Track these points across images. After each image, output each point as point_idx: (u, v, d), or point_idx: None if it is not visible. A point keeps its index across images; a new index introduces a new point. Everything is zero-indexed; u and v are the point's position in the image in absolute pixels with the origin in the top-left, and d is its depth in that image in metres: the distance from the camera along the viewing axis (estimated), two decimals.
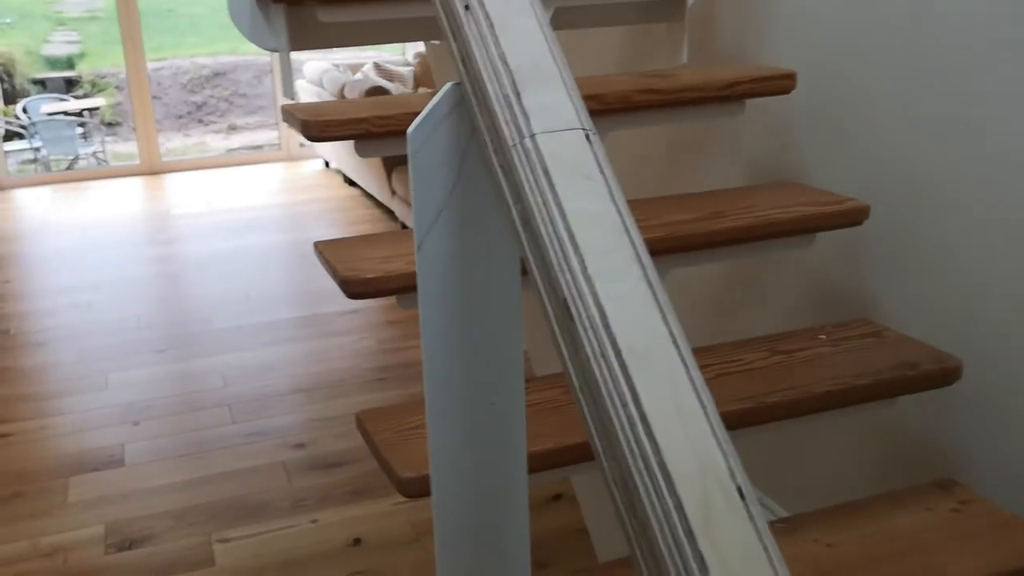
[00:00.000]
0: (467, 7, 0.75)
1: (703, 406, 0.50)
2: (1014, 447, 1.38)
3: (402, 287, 1.25)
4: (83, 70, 10.78)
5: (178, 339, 3.57)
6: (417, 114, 1.34)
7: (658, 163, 2.25)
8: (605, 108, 1.50)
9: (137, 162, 6.84)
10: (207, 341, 3.53)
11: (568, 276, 0.59)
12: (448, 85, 0.79)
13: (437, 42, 1.93)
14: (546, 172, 0.65)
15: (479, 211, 0.78)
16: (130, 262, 4.65)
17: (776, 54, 1.75)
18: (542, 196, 0.64)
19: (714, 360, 1.39)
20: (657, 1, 1.82)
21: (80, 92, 10.22)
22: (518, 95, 0.70)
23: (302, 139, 7.36)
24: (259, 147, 8.94)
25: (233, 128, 11.25)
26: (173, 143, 10.31)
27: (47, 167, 7.24)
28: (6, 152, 7.57)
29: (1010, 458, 1.39)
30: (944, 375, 1.34)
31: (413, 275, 1.25)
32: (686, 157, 2.10)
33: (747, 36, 1.82)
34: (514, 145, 0.67)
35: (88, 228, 5.31)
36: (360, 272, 1.24)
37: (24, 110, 7.74)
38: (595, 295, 0.56)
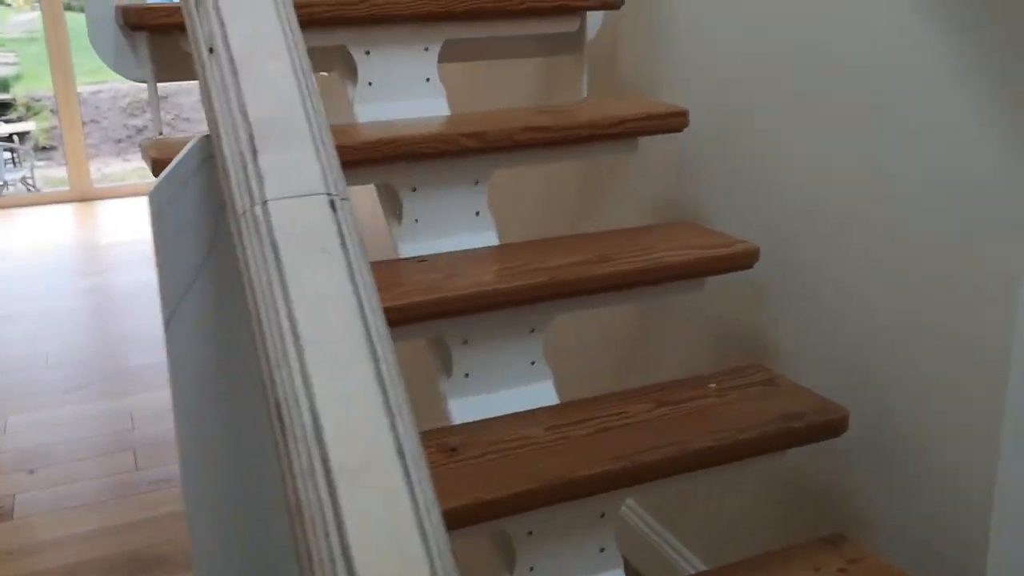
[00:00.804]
0: (211, 50, 0.67)
1: (425, 539, 0.42)
2: (904, 498, 1.33)
3: None
4: (18, 92, 10.53)
5: (89, 378, 3.42)
6: None
7: (562, 199, 2.19)
8: (488, 146, 1.43)
9: (67, 188, 6.66)
10: (120, 380, 3.39)
11: (284, 374, 0.51)
12: (196, 138, 0.70)
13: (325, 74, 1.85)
14: (274, 246, 0.56)
15: (237, 283, 0.70)
16: (49, 294, 4.49)
17: (676, 90, 1.70)
18: (267, 275, 0.56)
19: (597, 413, 1.32)
20: (556, 35, 1.76)
21: (14, 115, 9.98)
22: (255, 153, 0.62)
23: None
24: None
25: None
26: (112, 168, 10.09)
27: None
28: None
29: (900, 510, 1.34)
30: (830, 427, 1.29)
31: None
32: (590, 194, 2.04)
33: (649, 71, 1.77)
34: (243, 213, 0.59)
35: (8, 257, 5.13)
36: None
37: None
38: (311, 398, 0.48)
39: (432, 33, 1.60)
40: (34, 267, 4.96)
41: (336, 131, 1.44)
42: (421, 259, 1.43)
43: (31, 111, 10.30)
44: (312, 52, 1.61)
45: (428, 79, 1.62)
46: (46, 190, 7.24)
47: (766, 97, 1.50)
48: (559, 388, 1.44)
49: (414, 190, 1.45)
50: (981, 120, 1.16)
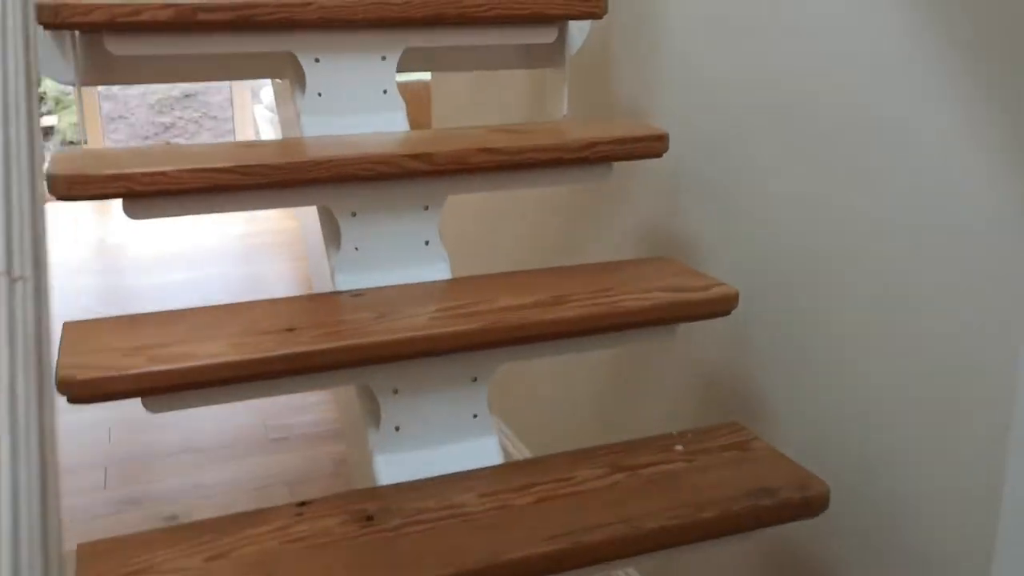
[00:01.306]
0: None
1: None
2: (893, 571, 1.16)
3: (137, 388, 1.02)
4: (49, 86, 10.57)
5: None
6: (203, 169, 1.11)
7: (541, 225, 2.03)
8: (437, 169, 1.28)
9: None
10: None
11: None
12: None
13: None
14: None
15: None
16: (53, 295, 4.40)
17: (666, 110, 1.54)
18: None
19: (542, 478, 1.16)
20: (535, 46, 1.61)
21: (43, 109, 10.00)
22: None
23: None
24: None
25: None
26: None
27: None
28: None
29: None
30: (806, 506, 1.12)
31: (155, 375, 1.03)
32: (571, 220, 1.88)
33: (638, 88, 1.61)
34: None
35: None
36: (84, 370, 1.01)
37: None
38: None
39: (389, 40, 1.46)
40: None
41: (267, 146, 1.30)
42: (357, 293, 1.28)
43: (60, 105, 10.34)
44: (258, 58, 1.48)
45: (385, 91, 1.47)
46: None
47: (762, 123, 1.33)
48: (513, 439, 1.28)
49: (353, 215, 1.31)
50: (989, 169, 0.99)
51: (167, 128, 11.47)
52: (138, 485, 2.69)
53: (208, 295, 4.34)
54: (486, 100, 2.32)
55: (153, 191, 1.15)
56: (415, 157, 1.26)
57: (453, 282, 1.34)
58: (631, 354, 1.69)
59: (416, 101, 5.95)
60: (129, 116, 11.33)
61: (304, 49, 1.42)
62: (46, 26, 1.25)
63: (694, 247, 1.50)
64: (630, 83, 1.64)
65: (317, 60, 1.43)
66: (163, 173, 1.15)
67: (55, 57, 1.35)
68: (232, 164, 1.18)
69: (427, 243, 1.35)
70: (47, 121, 9.42)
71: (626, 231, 1.70)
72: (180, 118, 11.54)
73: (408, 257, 1.34)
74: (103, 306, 4.19)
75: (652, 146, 1.38)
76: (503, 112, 2.21)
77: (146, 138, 11.24)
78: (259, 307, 1.22)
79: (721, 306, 1.27)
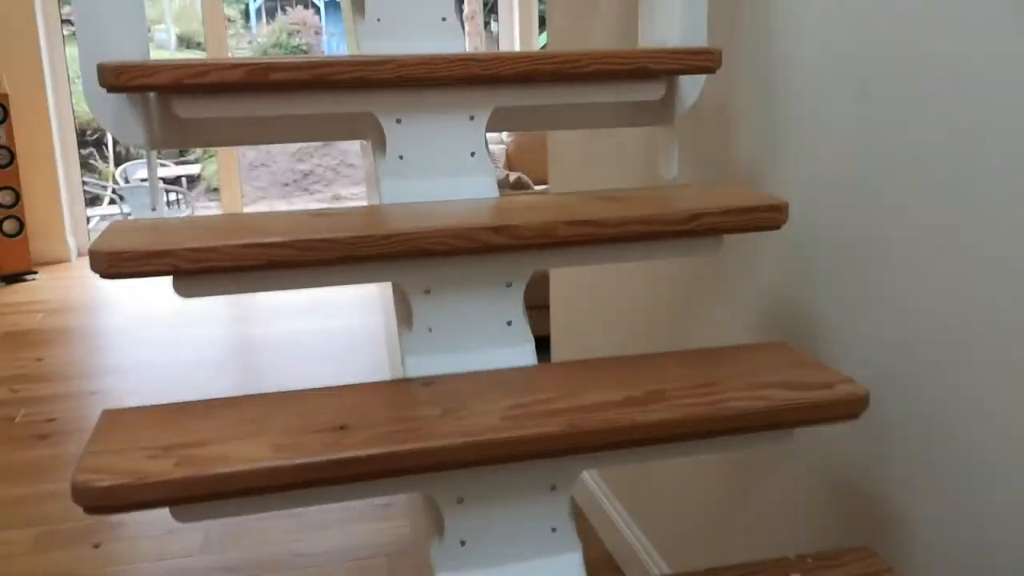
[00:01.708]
0: None
1: None
2: None
3: (162, 498, 0.90)
4: None
5: None
6: (256, 244, 1.00)
7: (638, 297, 1.86)
8: (520, 243, 1.14)
9: None
10: None
11: None
12: None
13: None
14: None
15: None
16: (182, 343, 4.49)
17: (787, 175, 1.36)
18: None
19: None
20: (642, 102, 1.45)
21: (191, 157, 10.45)
22: None
23: None
24: None
25: (337, 198, 11.30)
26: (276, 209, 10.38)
27: None
28: (102, 216, 7.70)
29: None
30: None
31: (181, 483, 0.91)
32: (673, 291, 1.70)
33: (758, 149, 1.43)
34: None
35: (154, 302, 5.20)
36: (103, 475, 0.90)
37: (124, 174, 7.89)
38: None
39: (477, 99, 1.33)
40: (174, 314, 4.99)
41: (333, 217, 1.17)
42: (427, 381, 1.14)
43: (206, 153, 10.77)
44: (337, 118, 1.38)
45: (473, 153, 1.34)
46: None
47: (900, 193, 1.13)
48: (643, 541, 1.11)
49: (427, 293, 1.17)
50: None
51: (306, 175, 11.84)
52: (236, 551, 2.63)
53: (335, 348, 4.33)
54: (603, 156, 2.18)
55: (201, 268, 1.04)
56: (496, 230, 1.13)
57: (536, 370, 1.18)
58: (744, 454, 1.49)
59: (522, 147, 5.84)
60: (271, 164, 11.74)
61: (384, 109, 1.31)
62: (108, 88, 1.18)
63: (818, 329, 1.30)
64: (751, 142, 1.47)
65: (398, 121, 1.31)
66: (213, 249, 1.04)
67: (128, 119, 1.28)
68: (288, 239, 1.06)
69: (509, 323, 1.21)
70: (190, 170, 9.85)
71: (743, 305, 1.51)
72: (319, 165, 11.89)
73: (488, 339, 1.20)
74: (233, 356, 4.24)
75: (767, 217, 1.20)
76: (621, 169, 2.06)
77: (286, 185, 11.63)
78: (314, 398, 1.10)
79: (847, 409, 1.07)
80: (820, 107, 1.29)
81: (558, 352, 2.72)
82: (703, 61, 1.34)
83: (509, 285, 1.20)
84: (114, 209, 7.53)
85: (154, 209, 1.33)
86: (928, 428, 1.10)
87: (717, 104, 1.57)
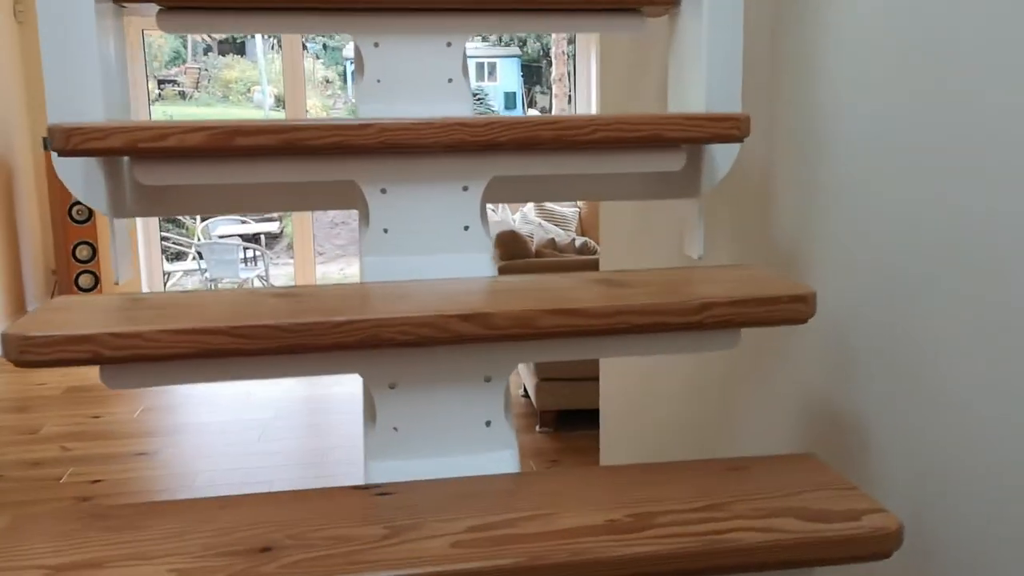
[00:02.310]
0: None
1: None
2: None
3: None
4: None
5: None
6: (189, 331, 0.88)
7: (677, 387, 1.68)
8: (496, 334, 0.99)
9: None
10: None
11: None
12: None
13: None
14: None
15: None
16: (242, 401, 4.44)
17: (826, 257, 1.18)
18: None
19: None
20: (661, 175, 1.30)
21: (274, 213, 10.61)
22: None
23: None
24: None
25: None
26: (352, 268, 10.45)
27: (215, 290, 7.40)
28: (185, 272, 7.83)
29: None
30: None
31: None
32: (714, 382, 1.52)
33: (796, 225, 1.26)
34: None
35: None
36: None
37: (206, 230, 8.03)
38: None
39: (472, 168, 1.20)
40: None
41: (286, 298, 1.01)
42: (384, 491, 0.99)
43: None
44: (318, 187, 1.27)
45: (467, 227, 1.21)
46: None
47: (957, 283, 0.95)
48: None
49: (392, 387, 1.03)
50: None
51: None
52: None
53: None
54: (652, 227, 2.02)
55: (126, 356, 0.92)
56: (466, 319, 0.98)
57: (516, 481, 1.02)
58: None
59: (594, 211, 5.66)
60: (351, 221, 11.85)
61: (367, 178, 1.18)
62: (59, 152, 1.08)
63: (860, 436, 1.12)
64: (789, 219, 1.30)
65: (383, 191, 1.19)
66: (138, 335, 0.92)
67: (94, 183, 1.19)
68: (227, 324, 0.94)
69: (488, 424, 1.05)
70: (270, 227, 9.98)
71: (778, 402, 1.32)
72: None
73: (462, 442, 1.05)
74: (289, 416, 4.16)
75: (790, 310, 1.02)
76: (661, 243, 1.91)
77: None
78: (255, 506, 0.96)
79: (875, 547, 0.88)
80: (865, 184, 1.12)
81: (606, 445, 2.53)
82: (726, 129, 1.18)
83: (488, 380, 1.05)
84: (194, 265, 7.65)
85: (117, 283, 1.23)
86: (972, 556, 0.90)
87: (756, 175, 1.41)
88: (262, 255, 7.74)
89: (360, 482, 1.02)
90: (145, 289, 6.44)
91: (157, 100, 14.50)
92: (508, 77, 15.23)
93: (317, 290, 1.11)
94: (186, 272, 7.92)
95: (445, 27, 1.34)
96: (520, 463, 1.06)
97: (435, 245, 1.20)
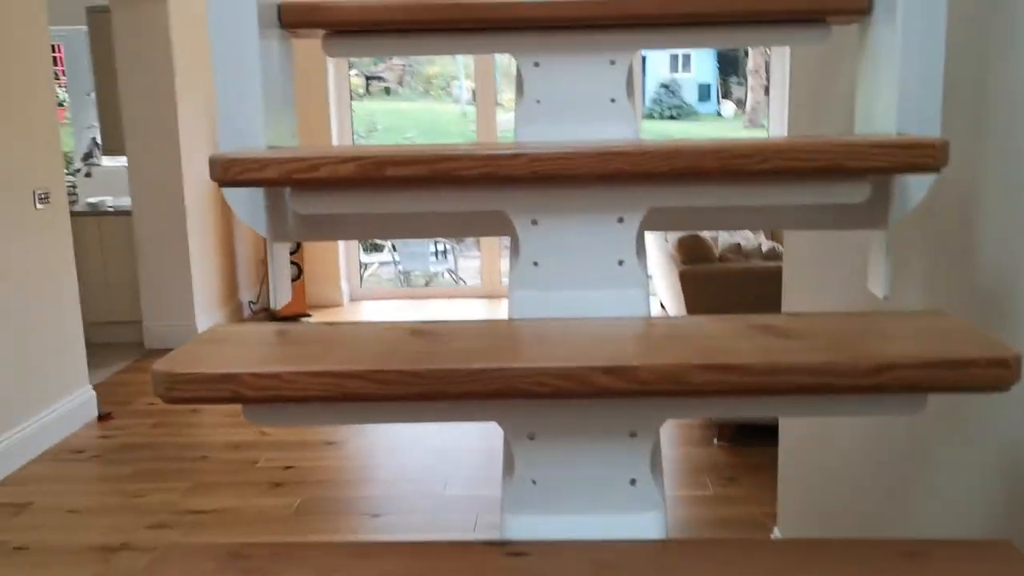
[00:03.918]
0: None
1: None
2: None
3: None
4: None
5: (386, 502, 3.30)
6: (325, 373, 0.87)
7: (859, 448, 1.53)
8: (641, 389, 0.91)
9: (480, 283, 6.94)
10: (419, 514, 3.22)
11: None
12: None
13: None
14: None
15: None
16: None
17: None
18: None
19: None
20: (835, 205, 1.17)
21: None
22: None
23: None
24: None
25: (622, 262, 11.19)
26: None
27: (406, 282, 7.62)
28: (380, 263, 8.12)
29: None
30: None
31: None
32: (901, 445, 1.37)
33: (1006, 267, 1.11)
34: None
35: None
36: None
37: None
38: None
39: (626, 199, 1.12)
40: None
41: (424, 339, 0.98)
42: (518, 550, 0.94)
43: None
44: (470, 216, 1.23)
45: (622, 262, 1.13)
46: (471, 283, 7.57)
47: None
48: None
49: (531, 438, 0.98)
50: None
51: None
52: None
53: None
54: (837, 255, 1.87)
55: (265, 397, 0.91)
56: (609, 371, 0.91)
57: (661, 548, 0.94)
58: None
59: None
60: None
61: (517, 208, 1.13)
62: (219, 183, 1.10)
63: None
64: (995, 258, 1.14)
65: (534, 222, 1.13)
66: (276, 376, 0.91)
67: (256, 209, 1.20)
68: (361, 368, 0.91)
69: (633, 482, 0.98)
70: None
71: (971, 470, 1.17)
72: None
73: (604, 500, 0.98)
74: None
75: (988, 375, 0.89)
76: (846, 277, 1.75)
77: None
78: (384, 556, 0.93)
79: None
80: None
81: (784, 477, 2.38)
82: (920, 157, 1.05)
83: (633, 435, 0.97)
84: (389, 257, 7.92)
85: (276, 309, 1.24)
86: None
87: (954, 206, 1.25)
88: (452, 249, 7.90)
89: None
90: (343, 280, 6.71)
91: (364, 96, 15.14)
92: (703, 68, 14.82)
93: (459, 329, 1.07)
94: (381, 263, 8.19)
95: (608, 44, 1.27)
96: (667, 526, 0.98)
97: (587, 280, 1.13)
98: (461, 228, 1.21)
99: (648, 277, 1.15)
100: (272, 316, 6.20)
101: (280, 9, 1.24)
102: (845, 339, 0.96)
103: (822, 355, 0.91)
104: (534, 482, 0.98)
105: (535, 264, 1.14)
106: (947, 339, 0.95)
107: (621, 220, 1.13)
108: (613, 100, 1.28)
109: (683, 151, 1.06)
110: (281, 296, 1.24)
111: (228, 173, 1.08)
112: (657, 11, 1.23)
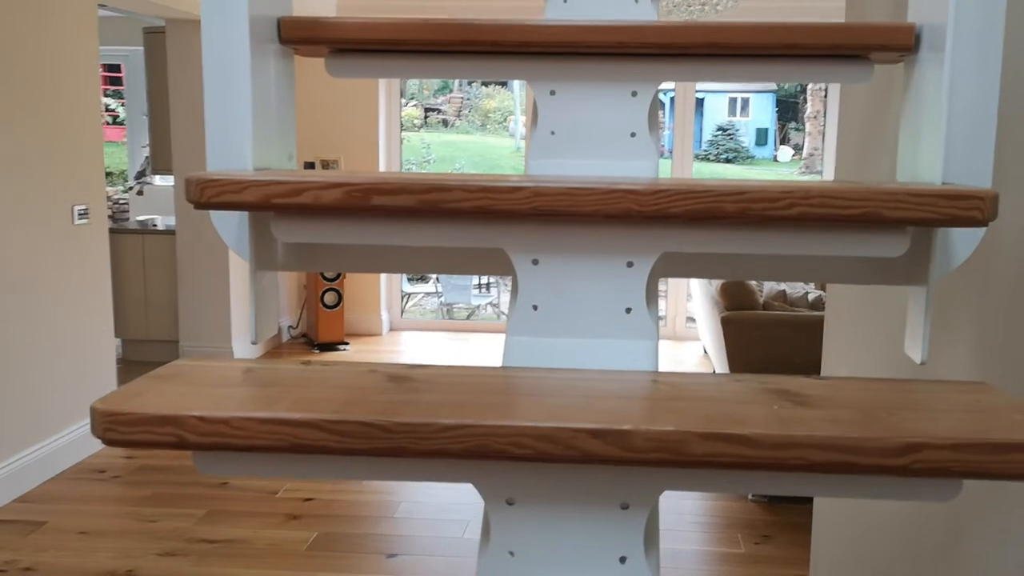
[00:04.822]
0: None
1: None
2: None
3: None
4: None
5: (403, 541, 3.19)
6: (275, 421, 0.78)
7: (898, 521, 1.39)
8: (636, 458, 0.80)
9: None
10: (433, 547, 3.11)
11: None
12: None
13: None
14: None
15: None
16: None
17: None
18: None
19: None
20: (872, 259, 1.05)
21: None
22: None
23: (689, 314, 6.83)
24: None
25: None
26: None
27: (448, 314, 7.55)
28: (425, 294, 8.07)
29: None
30: None
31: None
32: (937, 520, 1.23)
33: None
34: None
35: None
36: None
37: None
38: None
39: (637, 242, 1.02)
40: None
41: (392, 389, 0.86)
42: None
43: None
44: (465, 252, 1.13)
45: (629, 309, 1.03)
46: None
47: None
48: None
49: (510, 503, 0.87)
50: None
51: None
52: None
53: None
54: (883, 300, 1.74)
55: (211, 444, 0.82)
56: (597, 435, 0.80)
57: None
58: None
59: None
60: None
61: (517, 246, 1.03)
62: (195, 205, 1.02)
63: None
64: None
65: (535, 262, 1.03)
66: (224, 422, 0.82)
67: (242, 234, 1.12)
68: (318, 417, 0.82)
69: (623, 560, 0.87)
70: None
71: (1017, 544, 1.04)
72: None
73: (590, 574, 0.87)
74: None
75: (1007, 462, 0.76)
76: (894, 325, 1.63)
77: None
78: None
79: None
80: None
81: (818, 538, 2.23)
82: (965, 209, 0.93)
83: (625, 508, 0.86)
84: (432, 288, 7.86)
85: (254, 342, 1.15)
86: None
87: (1007, 262, 1.13)
88: (495, 282, 7.82)
89: None
90: (384, 310, 6.66)
91: (422, 127, 15.22)
92: (761, 113, 14.66)
93: (440, 375, 0.97)
94: (426, 294, 8.14)
95: (631, 74, 1.17)
96: None
97: (591, 328, 1.03)
98: (458, 264, 1.11)
99: (656, 329, 1.04)
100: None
101: (280, 24, 1.16)
102: (871, 411, 0.85)
103: (841, 428, 0.79)
104: (511, 553, 0.87)
105: (534, 307, 1.04)
106: (989, 417, 0.83)
107: (631, 264, 1.02)
108: (633, 134, 1.18)
109: (699, 192, 0.95)
110: (264, 329, 1.15)
111: (204, 194, 1.00)
112: (685, 40, 1.13)
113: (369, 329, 6.66)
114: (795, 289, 4.08)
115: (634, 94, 1.18)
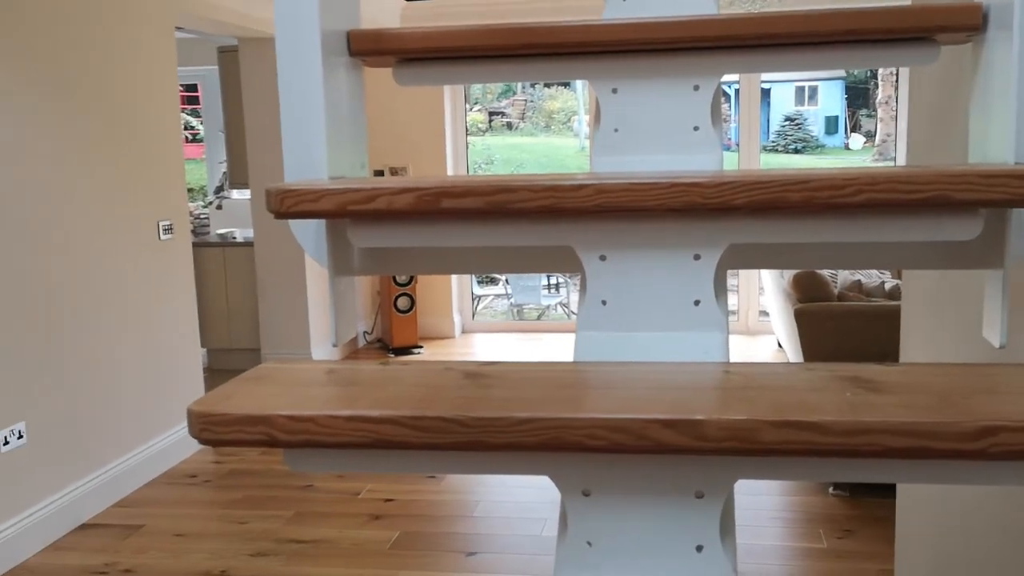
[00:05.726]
0: None
1: None
2: None
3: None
4: None
5: (482, 539, 3.22)
6: (360, 418, 0.82)
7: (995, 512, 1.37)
8: (707, 447, 0.82)
9: None
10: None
11: None
12: None
13: None
14: None
15: None
16: None
17: None
18: None
19: None
20: (944, 243, 1.05)
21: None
22: None
23: (762, 308, 6.75)
24: None
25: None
26: None
27: (518, 315, 7.58)
28: (495, 296, 8.12)
29: None
30: None
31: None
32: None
33: None
34: None
35: None
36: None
37: None
38: None
39: (703, 234, 1.03)
40: None
41: (479, 380, 0.92)
42: None
43: None
44: (533, 251, 1.15)
45: (698, 302, 1.04)
46: None
47: None
48: None
49: (586, 495, 0.89)
50: None
51: None
52: None
53: None
54: (961, 285, 1.71)
55: (299, 441, 0.86)
56: (669, 425, 0.82)
57: None
58: None
59: None
60: None
61: (584, 243, 1.05)
62: (275, 215, 1.06)
63: None
64: None
65: (602, 258, 1.05)
66: (311, 420, 0.86)
67: (320, 241, 1.17)
68: (397, 414, 0.85)
69: (700, 548, 0.88)
70: None
71: None
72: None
73: (666, 566, 0.88)
74: None
75: None
76: (973, 310, 1.60)
77: None
78: None
79: None
80: None
81: (903, 533, 2.19)
82: None
83: (700, 496, 0.87)
84: (503, 290, 7.91)
85: (335, 345, 1.19)
86: None
87: None
88: (564, 282, 7.83)
89: None
90: (455, 312, 6.73)
91: (487, 131, 15.31)
92: (830, 100, 14.36)
93: (514, 371, 1.00)
94: (496, 296, 8.19)
95: (692, 68, 1.19)
96: None
97: (659, 322, 1.05)
98: (527, 263, 1.14)
99: (726, 320, 1.05)
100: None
101: (349, 37, 1.20)
102: (946, 396, 0.85)
103: (914, 413, 0.79)
104: (589, 543, 0.89)
105: (603, 303, 1.06)
106: None
107: (698, 257, 1.04)
108: (696, 128, 1.19)
109: (763, 182, 0.96)
110: (344, 332, 1.19)
111: (283, 204, 1.04)
112: (744, 31, 1.14)
113: (442, 332, 6.73)
114: (871, 279, 4.00)
115: (696, 88, 1.19)
